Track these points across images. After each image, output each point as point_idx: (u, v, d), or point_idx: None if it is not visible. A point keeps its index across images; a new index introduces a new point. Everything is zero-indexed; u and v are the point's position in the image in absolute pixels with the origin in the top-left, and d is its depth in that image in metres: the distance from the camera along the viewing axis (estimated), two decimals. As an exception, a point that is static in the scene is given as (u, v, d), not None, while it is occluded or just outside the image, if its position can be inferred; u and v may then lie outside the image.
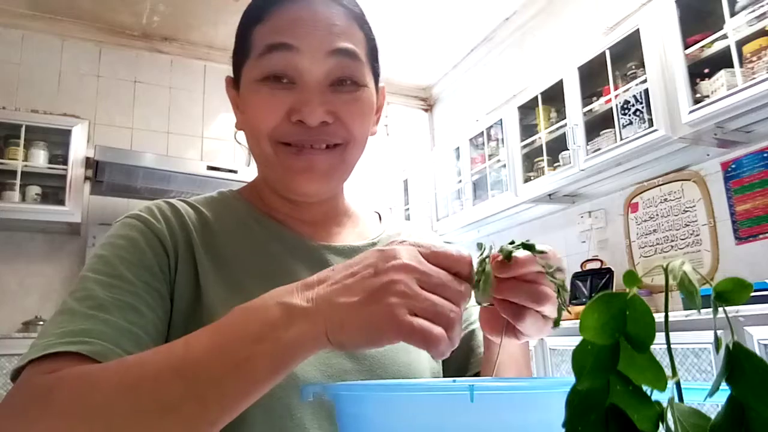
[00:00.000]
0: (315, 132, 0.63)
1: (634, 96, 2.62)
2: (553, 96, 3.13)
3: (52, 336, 0.50)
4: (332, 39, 0.62)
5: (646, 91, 2.54)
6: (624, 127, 2.66)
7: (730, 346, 0.19)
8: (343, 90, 0.64)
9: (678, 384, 0.19)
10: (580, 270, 3.21)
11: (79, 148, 3.43)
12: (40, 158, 3.37)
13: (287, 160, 0.64)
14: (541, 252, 0.49)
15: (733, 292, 0.20)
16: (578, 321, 0.21)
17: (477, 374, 0.75)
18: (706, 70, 2.34)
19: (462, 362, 0.76)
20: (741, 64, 2.19)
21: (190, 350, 0.44)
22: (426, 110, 4.96)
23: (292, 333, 0.42)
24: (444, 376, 0.76)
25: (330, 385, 0.41)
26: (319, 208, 0.72)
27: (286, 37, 0.62)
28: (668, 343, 0.19)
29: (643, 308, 0.18)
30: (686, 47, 2.37)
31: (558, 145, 3.10)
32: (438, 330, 0.40)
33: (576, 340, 0.21)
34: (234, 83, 0.71)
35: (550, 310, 0.49)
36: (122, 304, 0.55)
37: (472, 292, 0.46)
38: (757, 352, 1.04)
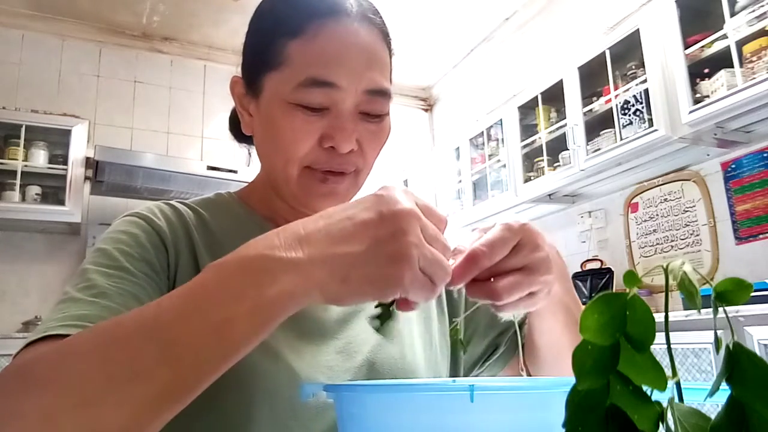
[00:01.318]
0: (342, 159, 0.63)
1: (634, 96, 2.62)
2: (553, 96, 3.14)
3: (53, 321, 0.50)
4: (371, 76, 0.62)
5: (646, 91, 2.55)
6: (624, 127, 2.66)
7: (731, 346, 0.19)
8: (371, 120, 0.64)
9: (678, 384, 0.19)
10: (580, 270, 3.21)
11: (79, 148, 3.43)
12: (40, 158, 3.37)
13: (311, 184, 0.64)
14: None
15: (733, 292, 0.20)
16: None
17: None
18: (706, 70, 2.34)
19: (492, 339, 0.76)
20: (741, 64, 2.19)
21: (163, 313, 0.41)
22: (426, 110, 4.96)
23: (276, 289, 0.40)
24: (474, 353, 0.76)
25: (331, 384, 0.41)
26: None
27: (330, 73, 0.60)
28: (668, 343, 0.19)
29: (643, 308, 0.18)
30: (686, 47, 2.37)
31: (558, 145, 3.10)
32: (435, 284, 0.40)
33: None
34: (246, 86, 0.69)
35: (512, 297, 0.48)
36: (124, 292, 0.55)
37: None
38: (757, 352, 1.04)
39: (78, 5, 3.58)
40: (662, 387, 0.18)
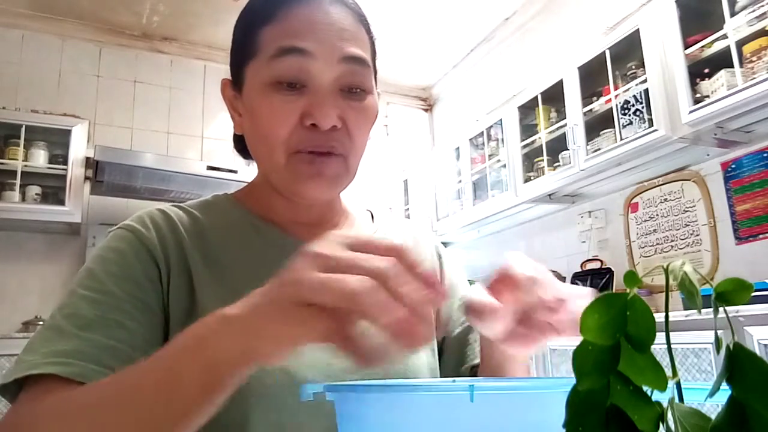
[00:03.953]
0: (326, 136, 0.62)
1: (634, 96, 2.62)
2: (553, 96, 3.13)
3: (38, 355, 0.53)
4: (344, 44, 0.62)
5: (646, 91, 2.54)
6: (624, 127, 2.66)
7: (731, 346, 0.19)
8: (352, 97, 0.64)
9: (678, 384, 0.19)
10: (580, 270, 3.21)
11: (79, 148, 3.42)
12: (40, 158, 3.37)
13: (298, 167, 0.63)
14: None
15: (733, 292, 0.20)
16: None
17: (475, 367, 0.76)
18: (706, 70, 2.34)
19: (458, 356, 0.77)
20: (741, 64, 2.19)
21: (128, 375, 0.43)
22: (426, 110, 4.96)
23: (219, 346, 0.39)
24: (445, 370, 0.76)
25: (330, 384, 0.41)
26: (318, 210, 0.72)
27: (299, 40, 0.60)
28: (668, 343, 0.19)
29: (643, 309, 0.17)
30: (686, 47, 2.37)
31: (558, 145, 3.10)
32: (325, 321, 0.36)
33: (576, 340, 0.20)
34: (233, 85, 0.70)
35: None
36: (108, 322, 0.56)
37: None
38: (757, 352, 1.04)
39: (78, 5, 3.58)
40: (662, 387, 0.18)
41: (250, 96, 0.65)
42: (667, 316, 0.21)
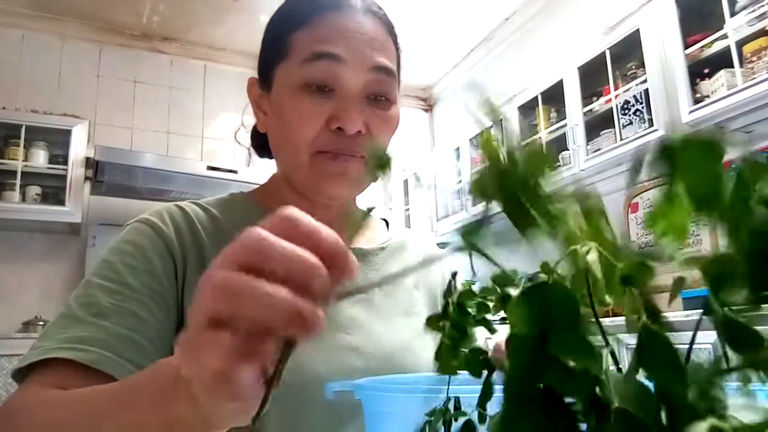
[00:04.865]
0: (351, 140, 0.64)
1: (634, 96, 2.61)
2: (553, 96, 3.13)
3: (53, 340, 0.52)
4: (374, 54, 0.64)
5: (646, 91, 2.54)
6: (624, 127, 2.65)
7: (641, 330, 0.18)
8: (378, 106, 0.66)
9: (613, 353, 0.18)
10: (580, 270, 3.20)
11: (79, 148, 3.43)
12: (40, 158, 3.37)
13: (322, 165, 0.65)
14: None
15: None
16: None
17: None
18: (706, 70, 2.33)
19: None
20: (741, 64, 2.18)
21: (96, 402, 0.42)
22: (426, 110, 4.95)
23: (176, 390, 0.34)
24: None
25: (355, 382, 0.40)
26: (335, 211, 0.73)
27: (332, 46, 0.62)
28: (598, 321, 0.18)
29: (561, 290, 0.17)
30: (686, 47, 2.36)
31: (558, 145, 3.09)
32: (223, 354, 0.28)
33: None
34: (260, 84, 0.71)
35: None
36: (124, 311, 0.56)
37: None
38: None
39: (78, 5, 3.58)
40: (593, 363, 0.17)
41: (279, 96, 0.66)
42: (590, 293, 0.19)
